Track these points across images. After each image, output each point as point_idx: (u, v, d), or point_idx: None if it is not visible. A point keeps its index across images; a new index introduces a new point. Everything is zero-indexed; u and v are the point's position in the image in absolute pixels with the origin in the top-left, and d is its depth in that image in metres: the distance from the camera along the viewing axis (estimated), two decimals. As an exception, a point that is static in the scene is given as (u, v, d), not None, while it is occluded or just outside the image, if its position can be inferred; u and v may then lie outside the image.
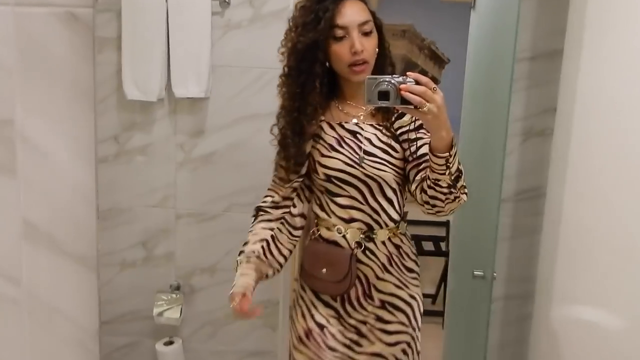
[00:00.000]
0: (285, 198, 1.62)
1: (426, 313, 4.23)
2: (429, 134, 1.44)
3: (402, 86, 1.24)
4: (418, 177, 1.48)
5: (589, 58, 1.50)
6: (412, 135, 1.51)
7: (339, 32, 1.47)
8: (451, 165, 1.33)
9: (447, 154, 1.31)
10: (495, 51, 1.96)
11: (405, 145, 1.53)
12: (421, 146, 1.49)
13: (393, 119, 1.57)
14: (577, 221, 1.63)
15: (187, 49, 2.25)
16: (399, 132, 1.55)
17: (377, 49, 1.51)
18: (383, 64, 1.55)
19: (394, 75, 1.27)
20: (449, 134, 1.30)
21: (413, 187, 1.49)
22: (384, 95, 1.26)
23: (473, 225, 2.19)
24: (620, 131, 1.46)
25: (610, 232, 1.52)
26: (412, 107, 1.25)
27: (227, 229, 2.45)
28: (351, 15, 1.47)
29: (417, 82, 1.24)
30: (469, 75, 2.30)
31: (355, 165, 1.52)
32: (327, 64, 1.52)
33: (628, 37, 1.40)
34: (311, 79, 1.50)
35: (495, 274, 1.84)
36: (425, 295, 4.51)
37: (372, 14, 1.52)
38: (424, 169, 1.45)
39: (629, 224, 1.47)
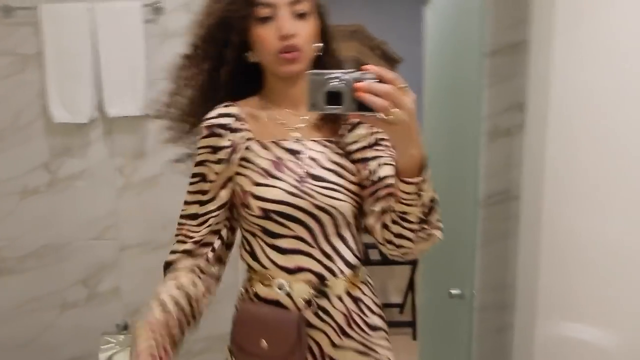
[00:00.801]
0: (200, 244, 1.20)
1: (395, 324, 4.13)
2: (393, 151, 1.16)
3: (358, 85, 0.91)
4: (377, 208, 1.14)
5: (562, 48, 1.38)
6: (369, 153, 1.18)
7: (264, 11, 1.13)
8: (424, 193, 1.02)
9: (419, 178, 1.00)
10: (457, 47, 1.83)
11: (361, 166, 1.19)
12: (380, 166, 1.15)
13: (346, 132, 1.22)
14: (560, 225, 1.51)
15: (119, 62, 2.04)
16: (353, 148, 1.20)
17: (315, 40, 1.17)
18: (329, 63, 1.19)
19: (346, 70, 0.93)
20: (420, 151, 0.98)
21: (370, 221, 1.16)
22: (334, 97, 0.92)
23: (445, 235, 2.04)
24: (602, 124, 1.34)
25: (599, 235, 1.40)
26: (373, 114, 0.92)
27: (177, 257, 2.23)
28: None
29: (380, 79, 0.92)
30: (429, 74, 2.17)
31: (301, 194, 1.14)
32: (249, 55, 1.18)
33: (603, 24, 1.29)
34: (216, 67, 1.17)
35: (474, 291, 1.69)
36: (392, 305, 4.42)
37: None
38: (385, 197, 1.13)
39: (619, 225, 1.34)
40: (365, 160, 1.18)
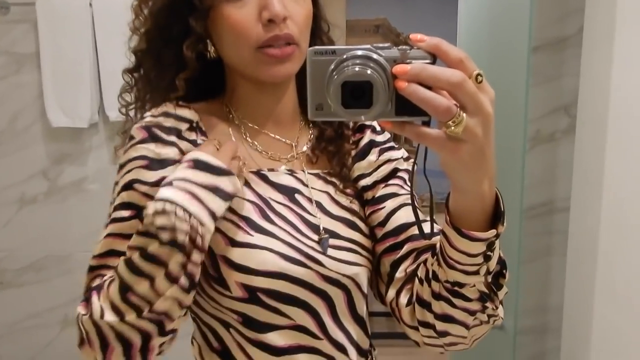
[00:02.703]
0: None
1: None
2: (407, 187, 0.81)
3: (400, 68, 0.51)
4: (400, 274, 0.77)
5: (626, 41, 1.17)
6: (382, 190, 0.82)
7: None
8: (493, 254, 0.65)
9: (492, 232, 0.61)
10: (497, 41, 1.62)
11: (371, 208, 0.83)
12: (397, 209, 0.79)
13: (350, 159, 0.85)
14: (620, 242, 1.30)
15: (120, 62, 1.86)
16: (360, 184, 0.84)
17: (310, 23, 0.78)
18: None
19: (375, 45, 0.54)
20: (492, 187, 0.60)
21: (391, 293, 0.78)
22: (358, 92, 0.52)
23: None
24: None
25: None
26: (423, 119, 0.54)
27: (185, 272, 2.06)
28: None
29: (435, 58, 0.53)
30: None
31: (305, 260, 0.75)
32: (211, 48, 0.79)
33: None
34: (168, 73, 0.78)
35: (516, 322, 1.48)
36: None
37: None
38: (410, 254, 0.77)
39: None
40: (376, 200, 0.81)
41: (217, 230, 0.72)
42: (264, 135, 0.82)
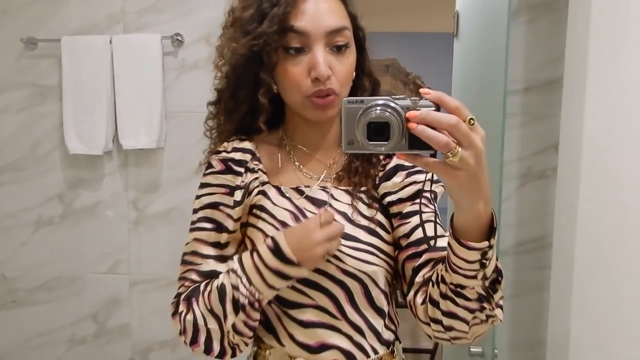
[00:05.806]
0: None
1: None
2: (435, 207, 0.98)
3: (412, 114, 0.69)
4: (419, 278, 0.92)
5: (596, 86, 1.25)
6: (408, 207, 0.98)
7: (294, 41, 0.92)
8: (488, 262, 0.79)
9: (485, 243, 0.76)
10: (483, 82, 1.71)
11: (397, 222, 0.99)
12: (421, 224, 0.92)
13: (378, 180, 1.02)
14: (592, 275, 1.35)
15: (135, 95, 1.99)
16: (387, 200, 1.01)
17: (353, 74, 0.98)
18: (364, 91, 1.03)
19: (394, 96, 0.73)
20: (487, 207, 0.76)
21: (410, 294, 0.93)
22: (378, 130, 0.71)
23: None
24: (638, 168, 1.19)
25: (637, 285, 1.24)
26: (430, 152, 0.72)
27: (189, 296, 2.14)
28: (316, 16, 0.92)
29: (440, 108, 0.71)
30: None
31: (330, 257, 0.93)
32: (275, 88, 0.98)
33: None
34: (250, 116, 0.98)
35: (496, 351, 1.52)
36: (422, 351, 4.20)
37: (352, 18, 0.98)
38: (428, 262, 0.92)
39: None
40: (403, 215, 0.97)
41: (258, 228, 0.96)
42: (308, 157, 1.03)
